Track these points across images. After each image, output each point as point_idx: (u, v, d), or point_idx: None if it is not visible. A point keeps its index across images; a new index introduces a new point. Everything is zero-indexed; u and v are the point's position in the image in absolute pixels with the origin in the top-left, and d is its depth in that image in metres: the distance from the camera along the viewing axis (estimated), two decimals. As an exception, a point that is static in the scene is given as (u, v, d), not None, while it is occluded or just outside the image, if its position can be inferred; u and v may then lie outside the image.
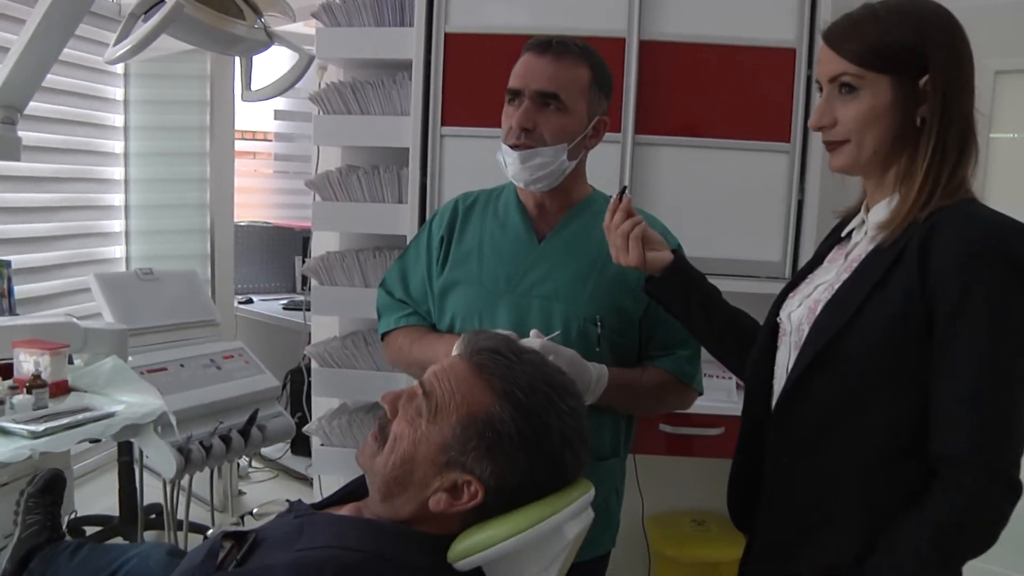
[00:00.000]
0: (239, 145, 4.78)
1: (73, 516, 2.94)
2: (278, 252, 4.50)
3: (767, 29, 2.26)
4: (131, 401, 1.81)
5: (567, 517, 1.03)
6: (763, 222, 2.34)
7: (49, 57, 1.67)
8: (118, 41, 1.26)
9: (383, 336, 1.61)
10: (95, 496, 3.36)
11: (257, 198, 4.91)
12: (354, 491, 1.23)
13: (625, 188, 1.37)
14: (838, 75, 1.09)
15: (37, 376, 1.78)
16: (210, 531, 1.36)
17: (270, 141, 4.96)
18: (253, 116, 4.67)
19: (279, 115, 4.75)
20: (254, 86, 1.57)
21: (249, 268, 4.44)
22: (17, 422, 1.62)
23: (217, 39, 1.38)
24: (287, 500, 1.26)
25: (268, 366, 2.50)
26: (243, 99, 1.54)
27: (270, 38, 1.41)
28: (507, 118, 1.42)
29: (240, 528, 1.17)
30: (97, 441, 2.90)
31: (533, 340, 1.30)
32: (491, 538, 1.01)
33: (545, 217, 1.50)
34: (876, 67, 1.07)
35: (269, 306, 4.20)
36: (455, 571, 1.04)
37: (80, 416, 1.68)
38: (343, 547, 1.02)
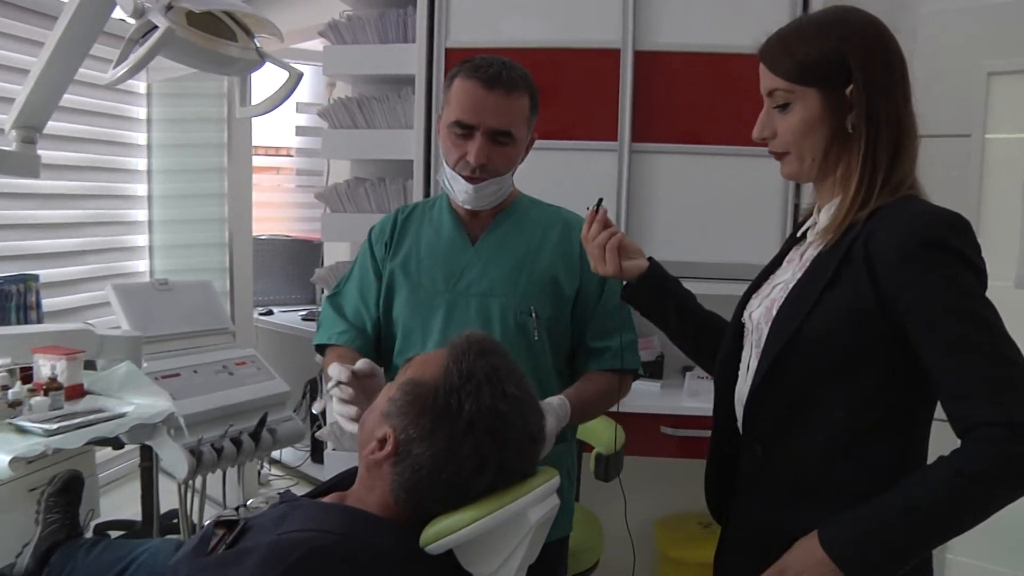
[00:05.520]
0: (263, 161, 4.89)
1: (96, 521, 3.04)
2: (297, 264, 4.54)
3: (759, 36, 2.30)
4: (142, 403, 1.89)
5: (530, 502, 1.08)
6: (759, 226, 2.38)
7: (66, 78, 1.73)
8: (116, 64, 1.35)
9: (316, 347, 1.64)
10: (120, 503, 3.45)
11: (279, 212, 5.02)
12: (339, 483, 1.30)
13: (601, 200, 1.39)
14: (772, 91, 1.15)
15: (54, 379, 1.88)
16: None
17: (292, 156, 5.07)
18: (276, 132, 4.78)
19: (300, 131, 4.84)
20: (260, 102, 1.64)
21: (269, 280, 4.51)
22: (34, 422, 1.72)
23: (211, 60, 1.45)
24: (278, 492, 1.34)
25: (287, 375, 2.55)
26: (237, 115, 1.63)
27: (262, 58, 1.49)
28: (456, 148, 1.46)
29: (232, 516, 1.25)
30: (121, 447, 2.99)
31: None
32: (459, 522, 1.06)
33: (477, 221, 1.56)
34: (803, 81, 1.12)
35: (288, 317, 4.27)
36: (426, 555, 1.10)
37: (92, 416, 1.77)
38: (319, 529, 1.08)
